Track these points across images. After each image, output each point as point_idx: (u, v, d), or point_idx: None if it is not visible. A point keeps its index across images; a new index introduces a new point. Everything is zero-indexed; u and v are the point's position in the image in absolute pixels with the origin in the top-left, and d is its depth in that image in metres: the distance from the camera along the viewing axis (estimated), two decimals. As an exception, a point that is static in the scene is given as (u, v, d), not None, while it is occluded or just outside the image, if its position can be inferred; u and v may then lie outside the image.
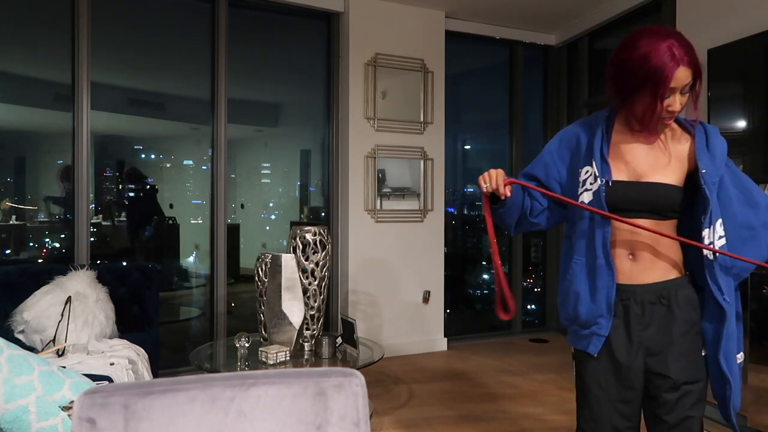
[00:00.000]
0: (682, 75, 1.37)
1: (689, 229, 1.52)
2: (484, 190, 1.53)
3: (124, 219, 4.39)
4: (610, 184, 1.47)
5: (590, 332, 1.54)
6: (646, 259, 1.49)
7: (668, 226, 1.50)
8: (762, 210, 1.48)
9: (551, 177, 1.62)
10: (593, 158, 1.51)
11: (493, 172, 1.51)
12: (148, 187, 4.55)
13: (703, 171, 1.45)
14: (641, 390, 1.52)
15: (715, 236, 1.44)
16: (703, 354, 1.50)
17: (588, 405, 1.55)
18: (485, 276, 5.69)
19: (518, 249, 5.45)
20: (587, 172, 1.51)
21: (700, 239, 1.45)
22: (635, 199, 1.47)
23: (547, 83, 5.56)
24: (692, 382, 1.48)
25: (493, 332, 5.37)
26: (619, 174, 1.50)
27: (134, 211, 4.48)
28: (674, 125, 1.55)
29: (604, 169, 1.49)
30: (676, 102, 1.40)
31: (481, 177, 1.53)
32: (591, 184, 1.50)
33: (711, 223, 1.44)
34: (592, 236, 1.51)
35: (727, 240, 1.46)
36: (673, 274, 1.50)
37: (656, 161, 1.50)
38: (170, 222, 4.61)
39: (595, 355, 1.52)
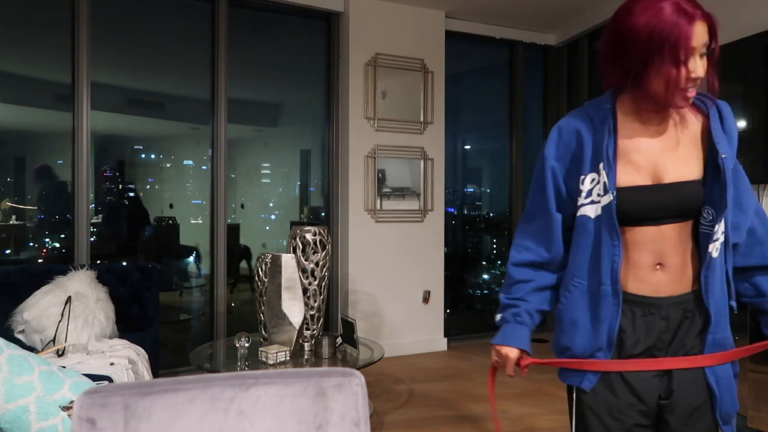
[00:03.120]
0: (699, 31, 1.16)
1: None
2: (494, 364, 1.43)
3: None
4: (615, 195, 1.26)
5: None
6: (677, 268, 1.28)
7: (691, 226, 1.29)
8: (749, 215, 1.33)
9: (563, 200, 1.36)
10: (602, 163, 1.26)
11: (505, 358, 1.42)
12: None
13: (724, 156, 1.24)
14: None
15: (720, 233, 1.26)
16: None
17: None
18: (485, 276, 5.70)
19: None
20: (593, 180, 1.28)
21: (706, 235, 1.26)
22: (661, 206, 1.26)
23: (547, 83, 5.56)
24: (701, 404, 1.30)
25: (493, 332, 5.33)
26: (636, 177, 1.27)
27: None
28: None
29: (612, 177, 1.26)
30: (698, 66, 1.17)
31: (495, 354, 1.45)
32: (599, 195, 1.27)
33: (724, 218, 1.25)
34: (597, 257, 1.28)
35: (724, 239, 1.28)
36: (696, 285, 1.30)
37: (674, 154, 1.28)
38: (170, 222, 4.61)
39: (588, 391, 1.32)
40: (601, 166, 1.26)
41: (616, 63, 1.25)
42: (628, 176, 1.27)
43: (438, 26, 4.81)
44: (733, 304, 1.31)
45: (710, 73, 1.22)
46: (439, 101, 4.83)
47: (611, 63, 1.26)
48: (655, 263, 1.27)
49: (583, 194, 1.30)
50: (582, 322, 1.31)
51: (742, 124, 3.32)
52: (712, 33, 1.18)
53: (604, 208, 1.26)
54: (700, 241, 1.29)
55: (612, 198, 1.24)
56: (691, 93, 1.20)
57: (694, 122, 1.31)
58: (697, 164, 1.28)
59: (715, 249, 1.26)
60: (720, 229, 1.25)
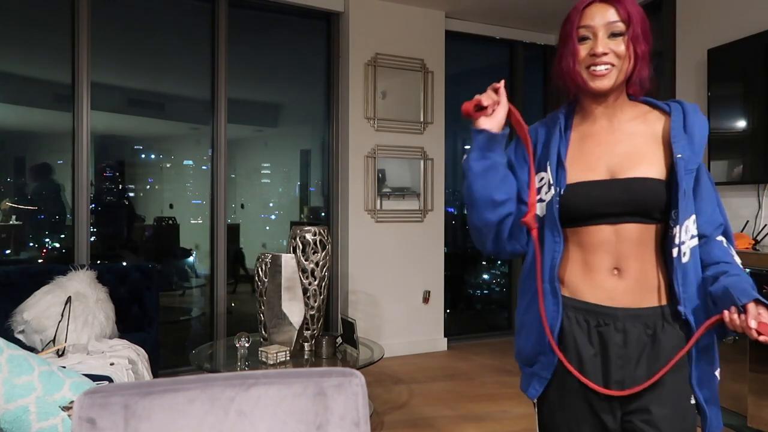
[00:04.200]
0: (597, 11, 1.20)
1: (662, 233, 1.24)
2: (477, 100, 1.27)
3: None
4: (562, 192, 1.22)
5: (531, 372, 1.30)
6: (633, 276, 1.21)
7: (655, 231, 1.22)
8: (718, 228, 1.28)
9: (521, 189, 1.31)
10: (549, 162, 1.26)
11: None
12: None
13: (679, 156, 1.18)
14: None
15: (687, 235, 1.19)
16: (692, 402, 1.21)
17: None
18: (485, 276, 5.70)
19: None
20: (542, 179, 1.26)
21: (670, 238, 1.20)
22: (614, 201, 1.20)
23: (547, 83, 5.56)
24: None
25: (493, 332, 5.37)
26: (590, 174, 1.24)
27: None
28: (646, 106, 1.30)
29: (561, 175, 1.24)
30: (598, 44, 1.19)
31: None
32: (545, 194, 1.25)
33: (683, 220, 1.18)
34: (542, 256, 1.25)
35: (700, 240, 1.22)
36: (666, 300, 1.22)
37: (633, 151, 1.24)
38: (170, 222, 4.61)
39: (535, 401, 1.30)
40: (548, 164, 1.26)
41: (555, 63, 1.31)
42: (580, 173, 1.25)
43: (438, 26, 4.81)
44: (681, 309, 1.21)
45: (634, 57, 1.21)
46: (439, 101, 4.83)
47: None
48: (612, 267, 1.22)
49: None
50: (530, 324, 1.29)
51: (742, 124, 3.32)
52: (625, 16, 1.19)
53: (548, 205, 1.25)
54: (665, 246, 1.22)
55: (554, 193, 1.23)
56: (600, 72, 1.20)
57: (656, 123, 1.27)
58: (659, 164, 1.23)
59: (683, 253, 1.18)
60: (682, 231, 1.18)
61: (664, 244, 1.22)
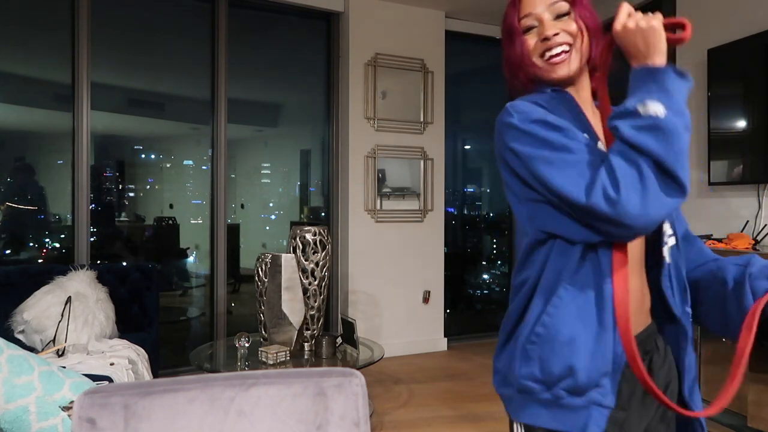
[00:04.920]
0: None
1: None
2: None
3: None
4: None
5: (587, 401, 0.98)
6: (639, 292, 1.08)
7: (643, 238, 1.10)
8: (683, 221, 1.21)
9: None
10: (586, 136, 1.03)
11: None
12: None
13: None
14: None
15: (668, 236, 1.09)
16: None
17: None
18: (485, 276, 5.70)
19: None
20: None
21: (654, 241, 1.08)
22: None
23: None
24: None
25: (493, 332, 5.36)
26: None
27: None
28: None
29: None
30: (546, 28, 1.09)
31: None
32: None
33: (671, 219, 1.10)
34: (596, 258, 1.00)
35: (677, 240, 1.10)
36: (650, 318, 1.12)
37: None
38: (170, 222, 4.61)
39: None
40: (599, 145, 1.06)
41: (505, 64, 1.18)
42: None
43: (438, 26, 4.81)
44: (688, 309, 1.10)
45: (587, 33, 1.11)
46: (439, 101, 4.83)
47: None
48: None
49: None
50: (582, 338, 0.98)
51: (742, 124, 3.32)
52: None
53: None
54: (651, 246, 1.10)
55: None
56: (559, 57, 1.09)
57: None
58: None
59: (667, 253, 1.08)
60: (667, 230, 1.08)
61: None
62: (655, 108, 0.89)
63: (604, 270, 1.00)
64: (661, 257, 1.07)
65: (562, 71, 1.10)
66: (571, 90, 1.13)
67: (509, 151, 1.03)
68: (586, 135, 1.02)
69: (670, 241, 1.08)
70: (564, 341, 0.99)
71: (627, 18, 0.97)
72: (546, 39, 1.09)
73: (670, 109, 0.89)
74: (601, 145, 1.05)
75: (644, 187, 0.87)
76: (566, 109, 1.09)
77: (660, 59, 0.95)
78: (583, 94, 1.14)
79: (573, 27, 1.10)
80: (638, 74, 0.95)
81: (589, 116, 1.12)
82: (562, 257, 1.02)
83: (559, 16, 1.11)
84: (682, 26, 0.95)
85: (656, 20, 0.95)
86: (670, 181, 0.88)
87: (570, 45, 1.09)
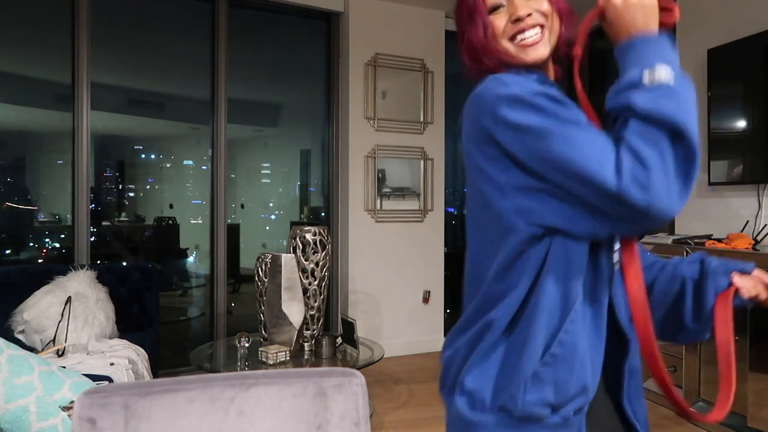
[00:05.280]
0: None
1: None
2: None
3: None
4: None
5: (582, 414, 0.93)
6: None
7: None
8: None
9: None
10: None
11: None
12: None
13: None
14: None
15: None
16: None
17: None
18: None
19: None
20: None
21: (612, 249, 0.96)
22: None
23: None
24: None
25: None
26: None
27: None
28: None
29: None
30: (517, 7, 0.97)
31: None
32: None
33: None
34: (596, 260, 0.92)
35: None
36: None
37: None
38: (170, 222, 4.61)
39: None
40: None
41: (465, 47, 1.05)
42: None
43: (438, 26, 4.81)
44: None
45: (558, 15, 1.01)
46: (439, 101, 4.83)
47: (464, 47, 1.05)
48: None
49: None
50: (590, 354, 0.91)
51: (742, 124, 3.32)
52: None
53: None
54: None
55: None
56: (532, 39, 0.98)
57: None
58: None
59: (616, 260, 0.99)
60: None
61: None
62: (664, 73, 0.82)
63: (603, 271, 0.92)
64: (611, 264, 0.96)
65: (536, 54, 0.98)
66: (541, 72, 1.02)
67: (505, 128, 0.87)
68: None
69: (617, 245, 0.96)
70: (580, 359, 0.89)
71: None
72: (518, 20, 0.97)
73: (676, 71, 0.83)
74: None
75: (668, 170, 0.79)
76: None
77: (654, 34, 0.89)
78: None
79: (545, 6, 0.98)
80: (633, 45, 0.87)
81: None
82: (567, 258, 0.89)
83: None
84: (669, 9, 0.92)
85: None
86: (690, 155, 0.79)
87: (543, 26, 0.98)
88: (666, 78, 0.81)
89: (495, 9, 0.99)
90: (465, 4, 1.02)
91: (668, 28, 0.92)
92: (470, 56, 1.03)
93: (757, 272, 1.03)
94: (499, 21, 0.99)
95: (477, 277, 0.98)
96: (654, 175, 0.78)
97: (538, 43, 0.98)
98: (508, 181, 0.89)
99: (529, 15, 0.97)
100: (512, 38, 0.98)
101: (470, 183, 0.97)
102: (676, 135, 0.79)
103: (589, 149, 0.82)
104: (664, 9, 0.92)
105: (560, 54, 1.04)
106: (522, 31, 0.97)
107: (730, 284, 1.01)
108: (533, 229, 0.89)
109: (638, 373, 1.01)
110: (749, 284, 1.02)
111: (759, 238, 3.15)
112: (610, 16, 0.91)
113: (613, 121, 0.87)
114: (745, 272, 1.03)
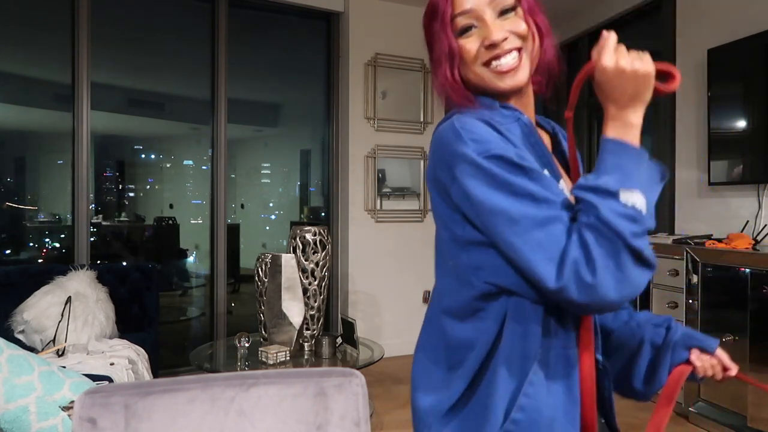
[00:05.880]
0: None
1: None
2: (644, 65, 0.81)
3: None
4: None
5: None
6: None
7: None
8: None
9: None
10: (547, 172, 0.88)
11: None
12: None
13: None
14: None
15: None
16: None
17: None
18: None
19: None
20: None
21: None
22: None
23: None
24: None
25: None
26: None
27: None
28: None
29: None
30: (491, 30, 0.88)
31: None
32: None
33: None
34: (562, 319, 0.87)
35: None
36: None
37: (565, 178, 0.96)
38: (170, 222, 4.61)
39: None
40: (561, 184, 0.89)
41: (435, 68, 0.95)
42: None
43: (438, 26, 4.80)
44: (599, 356, 0.97)
45: (538, 34, 0.92)
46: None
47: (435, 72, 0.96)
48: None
49: None
50: (560, 416, 0.86)
51: (742, 124, 3.32)
52: None
53: None
54: None
55: None
56: (509, 65, 0.89)
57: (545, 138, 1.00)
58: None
59: None
60: None
61: None
62: (637, 200, 0.77)
63: (568, 332, 0.87)
64: None
65: (511, 81, 0.90)
66: (517, 103, 0.94)
67: (458, 190, 0.83)
68: (547, 171, 0.87)
69: None
70: (545, 424, 0.85)
71: (618, 53, 0.81)
72: (492, 45, 0.88)
73: (650, 204, 0.79)
74: (563, 184, 0.90)
75: (620, 268, 0.75)
76: (522, 135, 0.90)
77: (641, 111, 0.83)
78: (529, 108, 0.97)
79: (522, 27, 0.89)
80: (617, 148, 0.81)
81: (545, 142, 0.95)
82: (524, 318, 0.85)
83: (503, 12, 0.89)
84: (670, 76, 0.83)
85: (651, 65, 0.81)
86: (641, 263, 0.76)
87: (521, 49, 0.90)
88: (639, 206, 0.77)
89: (465, 31, 0.90)
90: (432, 27, 0.93)
91: (665, 96, 0.86)
92: (439, 89, 0.95)
93: (719, 352, 0.99)
94: (471, 44, 0.90)
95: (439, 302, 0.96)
96: (601, 275, 0.75)
97: (515, 69, 0.89)
98: (464, 236, 0.86)
99: (505, 39, 0.88)
100: (486, 64, 0.89)
101: (434, 213, 0.93)
102: (632, 252, 0.76)
103: (535, 236, 0.78)
104: (663, 74, 0.83)
105: (542, 73, 0.97)
106: (497, 57, 0.88)
107: (688, 361, 0.98)
108: (487, 287, 0.86)
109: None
110: (707, 364, 0.99)
111: (759, 238, 3.15)
112: (599, 78, 0.83)
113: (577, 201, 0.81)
114: (706, 351, 0.99)
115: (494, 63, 0.89)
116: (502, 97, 0.92)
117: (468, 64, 0.90)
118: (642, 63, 0.80)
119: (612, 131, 0.82)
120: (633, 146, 0.81)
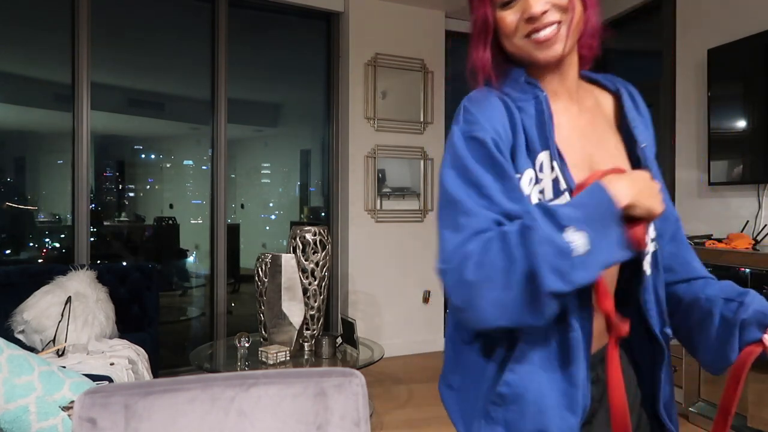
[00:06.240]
0: None
1: None
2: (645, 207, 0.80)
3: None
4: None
5: None
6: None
7: None
8: (671, 221, 1.01)
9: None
10: (548, 152, 0.89)
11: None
12: None
13: (644, 145, 0.96)
14: None
15: (650, 241, 0.92)
16: None
17: None
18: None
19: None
20: (530, 181, 0.88)
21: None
22: None
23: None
24: None
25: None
26: (577, 172, 0.90)
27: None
28: (586, 80, 1.03)
29: (566, 173, 0.88)
30: (530, 2, 0.87)
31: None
32: (537, 193, 0.88)
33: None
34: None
35: (657, 239, 0.95)
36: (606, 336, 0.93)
37: (604, 144, 0.96)
38: (170, 222, 4.61)
39: None
40: (544, 157, 0.88)
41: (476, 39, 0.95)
42: (574, 173, 0.91)
43: (438, 26, 4.81)
44: (668, 330, 0.96)
45: (581, 4, 0.91)
46: (439, 101, 4.83)
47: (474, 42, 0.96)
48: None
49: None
50: (551, 396, 0.85)
51: (742, 124, 3.32)
52: None
53: None
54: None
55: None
56: (546, 36, 0.88)
57: (605, 102, 1.02)
58: (622, 156, 0.96)
59: (647, 263, 0.92)
60: (649, 236, 0.91)
61: None
62: (580, 242, 0.73)
63: (568, 308, 0.84)
64: (640, 269, 0.91)
65: (547, 52, 0.89)
66: (554, 76, 0.94)
67: (441, 172, 0.87)
68: (546, 154, 0.88)
69: (651, 247, 0.91)
70: (534, 402, 0.84)
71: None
72: (532, 18, 0.87)
73: (594, 255, 0.74)
74: (556, 166, 0.88)
75: (508, 287, 0.73)
76: (534, 113, 0.90)
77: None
78: (567, 81, 0.95)
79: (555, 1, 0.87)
80: (595, 191, 0.78)
81: (561, 118, 0.94)
82: None
83: None
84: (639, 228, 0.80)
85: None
86: (534, 298, 0.74)
87: (560, 22, 0.88)
88: (577, 245, 0.73)
89: (506, 4, 0.90)
90: (472, 1, 0.94)
91: (632, 247, 0.79)
92: (478, 66, 0.95)
93: None
94: (511, 17, 0.89)
95: None
96: (478, 283, 0.75)
97: (551, 40, 0.88)
98: None
99: (544, 12, 0.87)
100: (528, 35, 0.89)
101: None
102: (535, 277, 0.73)
103: (456, 221, 0.80)
104: (635, 223, 0.79)
105: (585, 49, 0.96)
106: (537, 31, 0.88)
107: (760, 340, 0.89)
108: None
109: (671, 381, 0.98)
110: None
111: (759, 238, 3.15)
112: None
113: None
114: None
115: (533, 35, 0.89)
116: (538, 67, 0.93)
117: (508, 36, 0.91)
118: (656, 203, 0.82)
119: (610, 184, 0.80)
120: (610, 198, 0.77)
